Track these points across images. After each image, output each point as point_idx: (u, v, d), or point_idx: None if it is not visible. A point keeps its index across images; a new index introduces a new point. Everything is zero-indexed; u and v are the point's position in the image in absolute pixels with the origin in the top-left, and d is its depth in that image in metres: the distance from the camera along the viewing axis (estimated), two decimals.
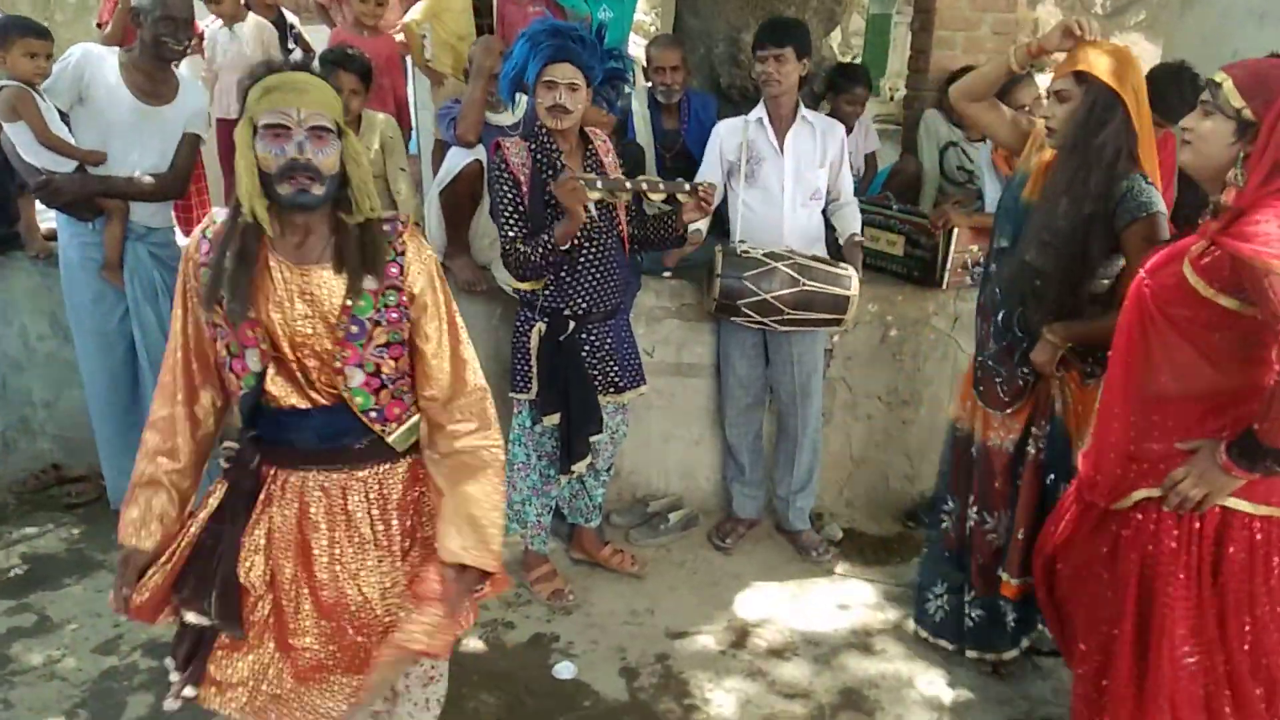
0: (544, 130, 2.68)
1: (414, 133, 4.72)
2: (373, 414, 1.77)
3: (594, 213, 2.70)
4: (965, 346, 3.59)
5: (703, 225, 3.17)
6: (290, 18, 4.34)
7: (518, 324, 2.88)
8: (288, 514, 1.78)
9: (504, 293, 3.28)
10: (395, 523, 1.84)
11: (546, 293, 2.77)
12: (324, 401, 1.75)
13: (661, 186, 2.65)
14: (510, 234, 2.68)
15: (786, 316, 3.05)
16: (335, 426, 1.77)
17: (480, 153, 3.25)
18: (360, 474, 1.80)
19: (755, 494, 3.55)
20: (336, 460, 1.79)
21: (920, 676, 2.80)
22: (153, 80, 3.09)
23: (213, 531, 1.77)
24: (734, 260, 3.04)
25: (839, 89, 4.19)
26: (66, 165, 3.06)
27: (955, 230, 3.40)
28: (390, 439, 1.80)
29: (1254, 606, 1.95)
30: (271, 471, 1.79)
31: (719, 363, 3.49)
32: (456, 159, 3.27)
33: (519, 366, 2.87)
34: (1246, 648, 1.96)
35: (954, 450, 2.76)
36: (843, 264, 3.13)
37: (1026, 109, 3.34)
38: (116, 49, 3.13)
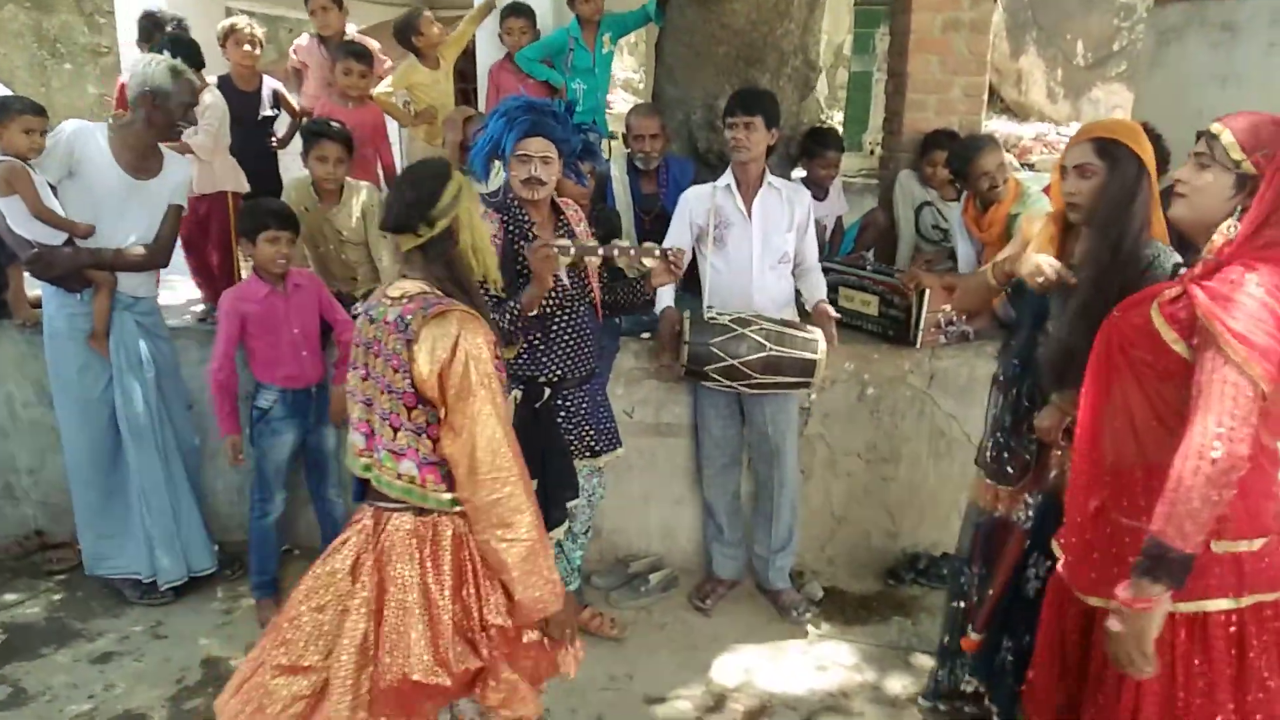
0: (515, 201, 2.75)
1: None
2: None
3: (565, 281, 2.75)
4: (941, 404, 3.63)
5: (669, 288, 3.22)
6: (274, 82, 4.45)
7: None
8: None
9: None
10: None
11: (521, 360, 2.81)
12: None
13: (632, 251, 2.70)
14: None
15: (755, 381, 3.09)
16: None
17: None
18: None
19: (735, 554, 3.56)
20: None
21: None
22: (141, 155, 3.19)
23: None
24: (701, 326, 3.09)
25: (812, 154, 4.28)
26: (56, 237, 3.13)
27: (927, 291, 3.46)
28: None
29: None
30: None
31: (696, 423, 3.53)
32: None
33: None
34: None
35: (974, 529, 2.65)
36: (811, 327, 3.18)
37: (989, 175, 3.42)
38: (103, 124, 3.22)
